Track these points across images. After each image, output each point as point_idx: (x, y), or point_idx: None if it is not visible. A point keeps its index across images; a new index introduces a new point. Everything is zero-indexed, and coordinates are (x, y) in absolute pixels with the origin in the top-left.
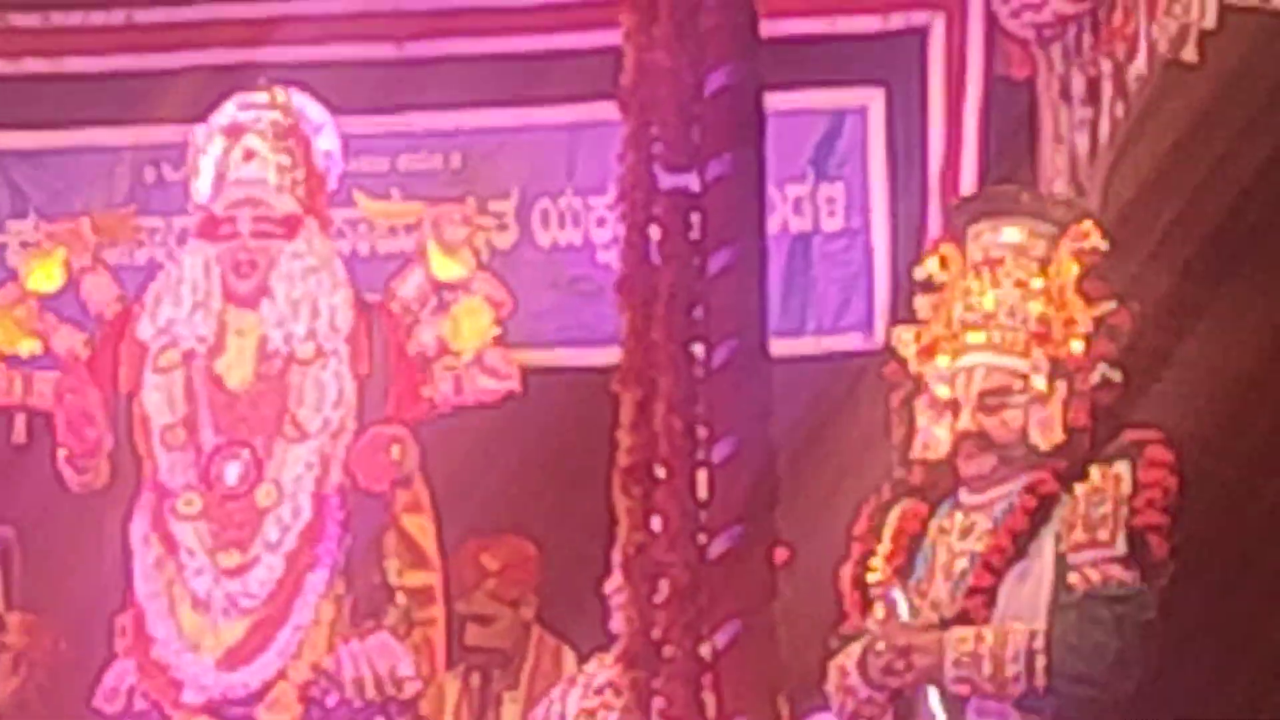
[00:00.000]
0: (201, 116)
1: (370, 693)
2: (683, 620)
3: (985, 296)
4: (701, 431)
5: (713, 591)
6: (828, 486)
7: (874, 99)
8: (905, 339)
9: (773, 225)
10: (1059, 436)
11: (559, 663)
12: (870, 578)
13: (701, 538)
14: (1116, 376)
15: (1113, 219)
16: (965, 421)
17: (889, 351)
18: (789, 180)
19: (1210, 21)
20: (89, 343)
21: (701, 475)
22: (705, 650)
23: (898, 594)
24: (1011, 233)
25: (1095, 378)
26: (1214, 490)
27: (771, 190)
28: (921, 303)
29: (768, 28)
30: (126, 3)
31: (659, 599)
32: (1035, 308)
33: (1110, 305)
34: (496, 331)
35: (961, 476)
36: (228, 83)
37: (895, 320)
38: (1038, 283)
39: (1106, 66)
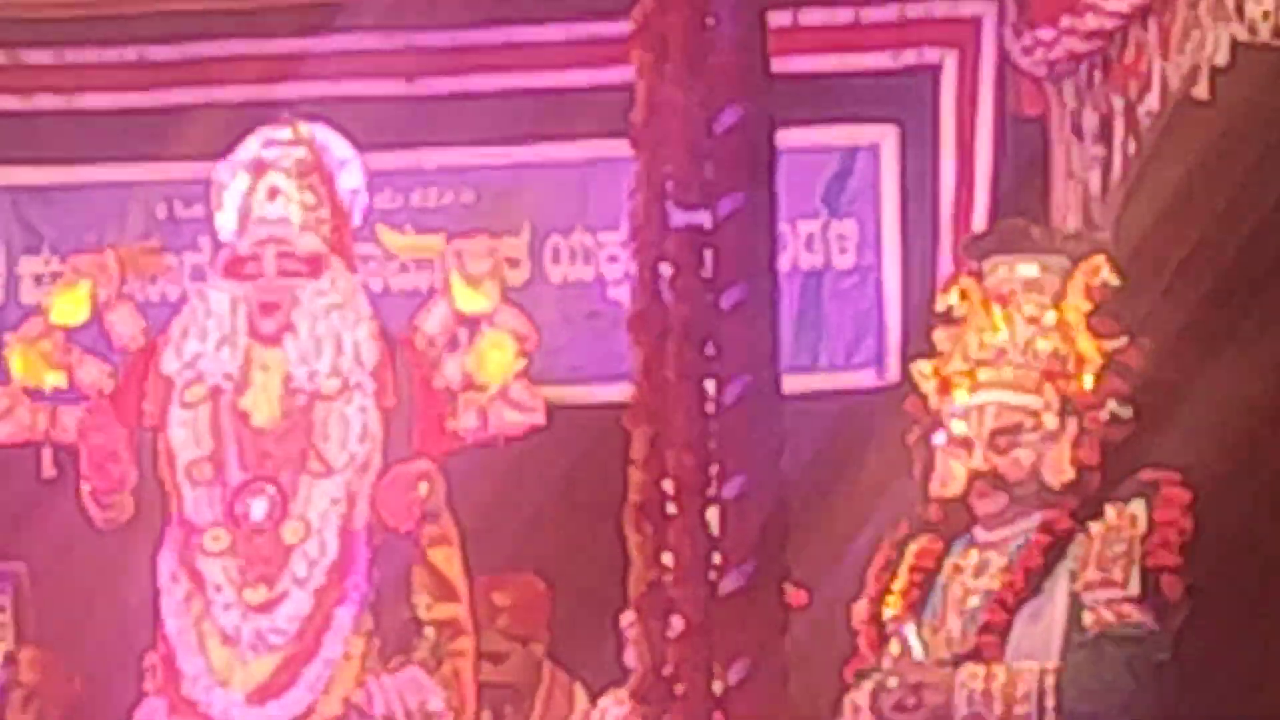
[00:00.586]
0: (213, 153)
1: None
2: (694, 657)
3: (998, 333)
4: (713, 468)
5: (724, 628)
6: (839, 523)
7: (886, 136)
8: (925, 373)
9: (784, 262)
10: (1069, 474)
11: (570, 699)
12: (886, 614)
13: (713, 574)
14: (1127, 414)
15: (1126, 255)
16: (977, 460)
17: (909, 385)
18: (801, 217)
19: (1222, 59)
20: (113, 375)
21: (713, 512)
22: (717, 687)
23: (909, 630)
24: (1025, 268)
25: (1105, 415)
26: (1234, 526)
27: (783, 227)
28: (940, 336)
29: (780, 65)
30: (139, 40)
31: (671, 635)
32: (1047, 344)
33: (1121, 342)
34: (521, 365)
35: (975, 515)
36: (239, 120)
37: (907, 357)
38: (1050, 318)
39: (1119, 104)
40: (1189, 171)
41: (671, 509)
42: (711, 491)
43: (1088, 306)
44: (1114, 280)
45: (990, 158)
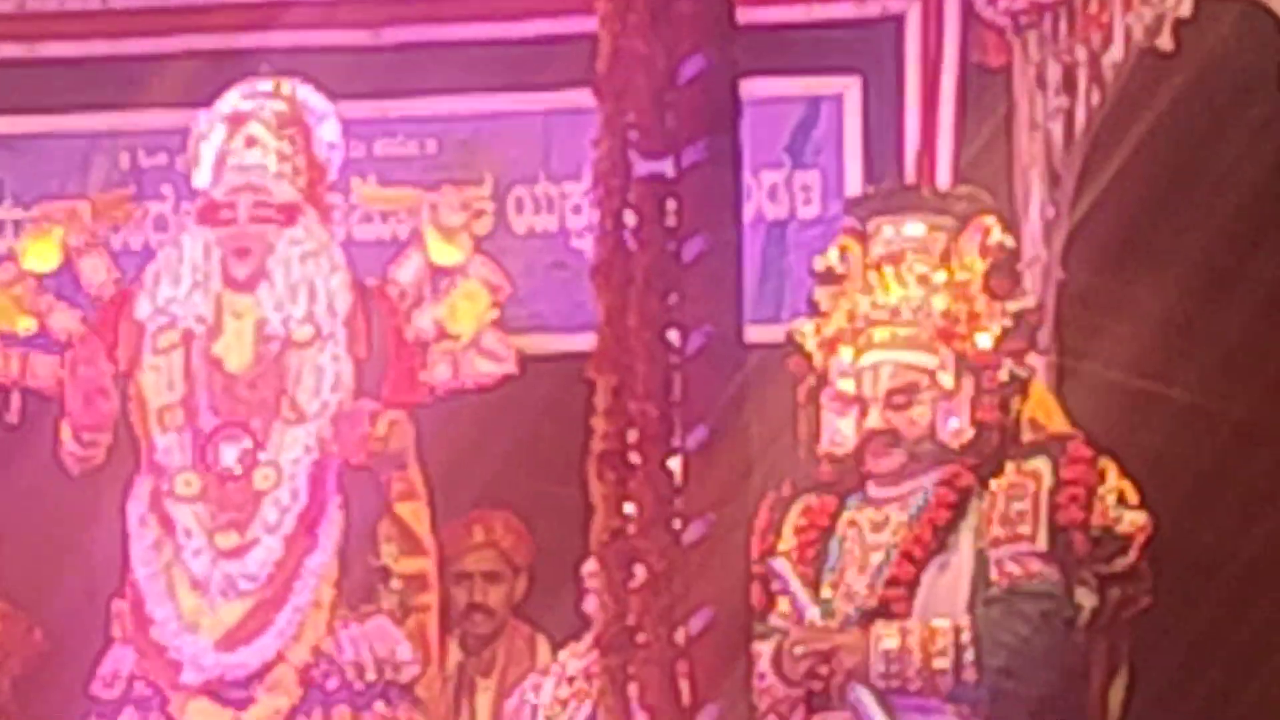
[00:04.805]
0: (176, 102)
1: (370, 675)
2: (657, 606)
3: (889, 293)
4: (676, 418)
5: (687, 578)
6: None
7: (850, 86)
8: (806, 332)
9: (748, 212)
10: (969, 433)
11: (533, 650)
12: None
13: (676, 524)
14: (1024, 374)
15: (1088, 207)
16: (874, 420)
17: (792, 344)
18: (764, 167)
19: (1186, 10)
20: (84, 322)
21: (676, 462)
22: (679, 636)
23: (797, 588)
24: (913, 228)
25: (1003, 374)
26: (1183, 488)
27: (747, 177)
28: (821, 294)
29: (744, 14)
30: None
31: (634, 585)
32: (940, 303)
33: (1026, 302)
34: (494, 315)
35: (870, 472)
36: (201, 68)
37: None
38: (940, 277)
39: (1082, 54)
40: (1153, 123)
41: (634, 458)
42: (674, 441)
43: (983, 266)
44: (1008, 240)
45: (953, 108)
